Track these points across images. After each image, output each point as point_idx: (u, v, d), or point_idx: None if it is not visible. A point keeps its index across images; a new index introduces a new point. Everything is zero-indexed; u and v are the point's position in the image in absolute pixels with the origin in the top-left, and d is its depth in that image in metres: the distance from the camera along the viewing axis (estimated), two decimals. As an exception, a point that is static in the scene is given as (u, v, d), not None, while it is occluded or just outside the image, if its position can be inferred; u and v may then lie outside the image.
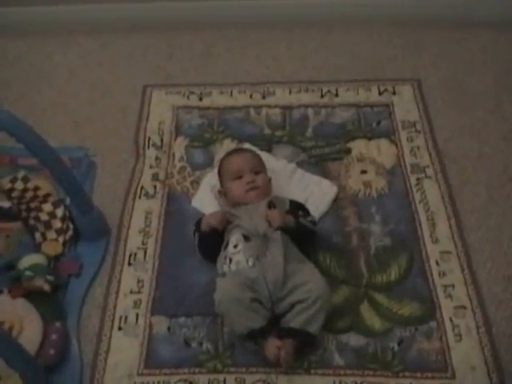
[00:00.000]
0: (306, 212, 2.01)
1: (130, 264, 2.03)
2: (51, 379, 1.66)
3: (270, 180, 2.10)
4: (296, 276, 1.80)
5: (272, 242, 1.86)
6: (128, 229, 2.12)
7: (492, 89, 2.56)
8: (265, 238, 1.87)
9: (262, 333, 1.74)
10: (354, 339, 1.82)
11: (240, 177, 2.04)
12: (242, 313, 1.74)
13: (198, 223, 1.99)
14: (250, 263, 1.83)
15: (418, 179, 2.21)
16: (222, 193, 2.10)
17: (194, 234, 2.00)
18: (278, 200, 2.01)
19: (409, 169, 2.25)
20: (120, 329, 1.88)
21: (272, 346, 1.72)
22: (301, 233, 1.92)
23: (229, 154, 2.18)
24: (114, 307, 1.93)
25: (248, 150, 2.22)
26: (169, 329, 1.87)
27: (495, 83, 2.58)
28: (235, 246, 1.89)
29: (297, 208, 2.00)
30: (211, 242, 1.96)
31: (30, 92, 2.66)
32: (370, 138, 2.36)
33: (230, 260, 1.87)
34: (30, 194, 2.14)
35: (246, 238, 1.88)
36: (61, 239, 2.05)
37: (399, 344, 1.81)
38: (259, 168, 2.08)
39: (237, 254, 1.87)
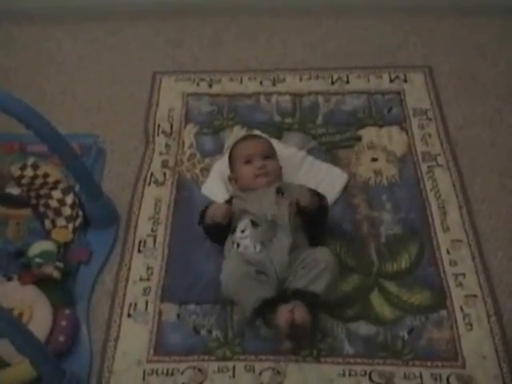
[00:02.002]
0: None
1: (139, 251, 2.02)
2: (61, 366, 1.66)
3: (280, 168, 2.09)
4: (302, 254, 1.80)
5: (280, 228, 1.86)
6: (137, 216, 2.11)
7: (504, 76, 2.53)
8: (273, 224, 1.86)
9: (273, 303, 1.71)
10: (364, 328, 1.82)
11: (250, 161, 2.03)
12: (251, 285, 1.73)
13: (203, 214, 1.97)
14: (258, 249, 1.83)
15: (429, 167, 2.20)
16: (232, 178, 2.09)
17: (199, 224, 2.00)
18: (286, 186, 2.00)
19: (420, 157, 2.23)
20: (129, 316, 1.88)
21: (284, 311, 1.67)
22: (322, 215, 1.93)
23: (240, 139, 2.18)
24: (124, 294, 1.93)
25: (260, 136, 2.22)
26: (178, 316, 1.86)
27: (508, 70, 2.56)
28: (243, 231, 1.88)
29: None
30: (216, 232, 1.96)
31: (39, 79, 2.66)
32: (380, 126, 2.34)
33: (238, 245, 1.87)
34: (39, 181, 2.14)
35: (254, 224, 1.87)
36: (70, 226, 2.05)
37: (409, 333, 1.80)
38: (270, 154, 2.07)
39: (244, 239, 1.87)
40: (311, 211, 1.88)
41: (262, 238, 1.85)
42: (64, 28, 2.91)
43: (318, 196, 1.94)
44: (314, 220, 1.92)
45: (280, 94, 2.49)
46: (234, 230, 1.90)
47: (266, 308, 1.71)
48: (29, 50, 2.82)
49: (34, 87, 2.58)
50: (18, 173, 2.15)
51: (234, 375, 1.74)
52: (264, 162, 2.03)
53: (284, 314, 1.67)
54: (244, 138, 2.18)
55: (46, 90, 2.60)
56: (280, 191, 1.96)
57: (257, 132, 2.30)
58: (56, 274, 1.88)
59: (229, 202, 1.99)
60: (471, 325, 1.81)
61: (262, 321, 1.77)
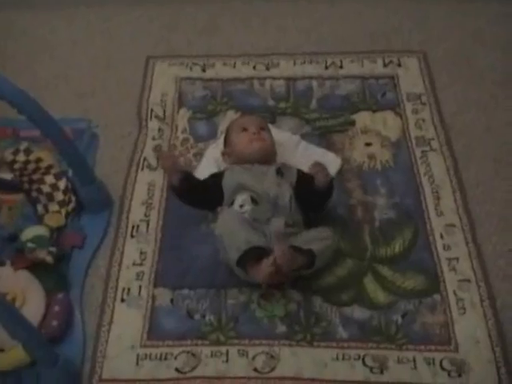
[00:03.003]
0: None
1: (132, 236, 2.02)
2: (54, 350, 1.66)
3: (274, 144, 2.09)
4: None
5: (280, 208, 1.86)
6: (131, 201, 2.11)
7: (500, 62, 2.53)
8: (274, 204, 1.86)
9: (262, 252, 1.72)
10: (358, 312, 1.82)
11: (246, 129, 2.04)
12: (245, 229, 1.76)
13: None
14: (257, 224, 1.84)
15: (422, 152, 2.19)
16: (226, 153, 2.09)
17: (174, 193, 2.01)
18: (285, 168, 2.00)
19: (414, 141, 2.23)
20: (123, 300, 1.87)
21: (268, 262, 1.69)
22: (330, 194, 1.94)
23: (237, 117, 2.22)
24: (117, 279, 1.92)
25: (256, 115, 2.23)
26: (172, 301, 1.86)
27: (503, 56, 2.55)
28: (241, 206, 1.88)
29: (304, 177, 1.97)
30: (189, 193, 1.98)
31: (32, 64, 2.64)
32: (374, 111, 2.34)
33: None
34: (32, 166, 2.13)
35: (254, 202, 1.87)
36: (63, 211, 2.04)
37: (403, 317, 1.80)
38: (264, 126, 2.09)
39: (243, 214, 1.86)
40: (322, 189, 1.89)
41: (261, 216, 1.85)
42: (58, 14, 2.89)
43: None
44: (319, 199, 1.93)
45: (274, 78, 2.48)
46: (232, 203, 1.90)
47: (254, 254, 1.73)
48: (23, 36, 2.80)
49: (27, 72, 2.57)
50: (10, 158, 2.15)
51: (227, 360, 1.74)
52: (259, 130, 2.04)
53: (268, 266, 1.69)
54: (241, 115, 2.24)
55: (39, 74, 2.58)
56: (280, 172, 1.96)
57: (249, 115, 2.30)
58: (49, 259, 1.87)
59: (217, 176, 1.98)
60: (464, 309, 1.81)
61: (243, 269, 1.78)
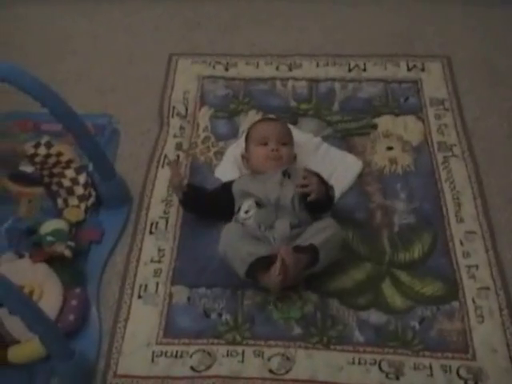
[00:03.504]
0: (323, 181, 1.97)
1: (151, 233, 2.02)
2: (70, 345, 1.66)
3: (295, 156, 2.08)
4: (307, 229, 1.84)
5: (283, 209, 1.87)
6: (150, 197, 2.11)
7: (523, 68, 2.51)
8: (276, 205, 1.87)
9: (268, 261, 1.73)
10: (375, 316, 1.81)
11: (265, 144, 2.02)
12: (248, 242, 1.77)
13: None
14: (262, 228, 1.85)
15: (444, 157, 2.18)
16: (245, 157, 2.08)
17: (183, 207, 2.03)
18: (292, 169, 1.99)
19: (436, 147, 2.21)
20: (140, 297, 1.88)
21: (275, 271, 1.70)
22: (326, 205, 1.92)
23: (260, 120, 2.19)
24: (135, 275, 1.92)
25: (280, 121, 2.19)
26: (188, 299, 1.86)
27: (526, 61, 2.53)
28: (246, 212, 1.89)
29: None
30: (195, 203, 2.00)
31: (53, 59, 2.65)
32: (397, 115, 2.32)
33: (242, 225, 1.88)
34: (52, 160, 2.14)
35: (259, 205, 1.88)
36: (83, 206, 2.05)
37: (420, 323, 1.79)
38: (287, 140, 2.05)
39: (248, 220, 1.88)
40: (316, 199, 1.87)
41: (266, 218, 1.86)
42: (80, 8, 2.90)
43: (324, 185, 1.92)
44: (317, 207, 1.91)
45: (296, 79, 2.47)
46: (239, 210, 1.92)
47: (260, 265, 1.74)
48: (44, 30, 2.82)
49: (48, 67, 2.56)
50: (31, 151, 2.16)
51: (242, 360, 1.74)
52: (279, 146, 2.01)
53: (275, 271, 1.70)
54: (264, 120, 2.19)
55: (60, 69, 2.59)
56: (286, 173, 1.95)
57: (272, 117, 2.28)
58: (67, 253, 1.87)
59: (228, 184, 2.00)
60: (483, 317, 1.80)
61: (254, 280, 1.79)
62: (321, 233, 1.80)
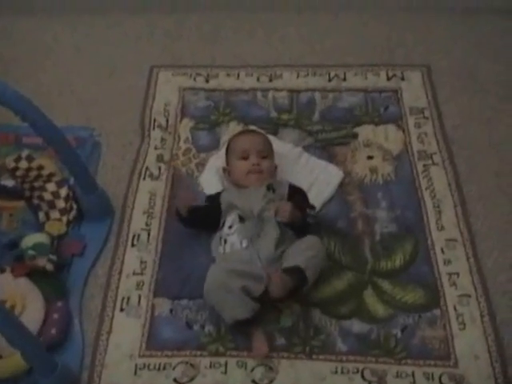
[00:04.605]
0: (306, 199, 1.99)
1: (133, 245, 2.02)
2: (53, 358, 1.65)
3: (275, 168, 2.08)
4: (290, 247, 1.83)
5: (267, 222, 1.87)
6: (132, 209, 2.11)
7: (503, 75, 2.53)
8: (259, 219, 1.88)
9: (247, 324, 1.74)
10: (357, 325, 1.82)
11: (246, 157, 2.02)
12: (230, 302, 1.73)
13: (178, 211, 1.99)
14: (244, 244, 1.85)
15: (424, 166, 2.19)
16: (226, 171, 2.09)
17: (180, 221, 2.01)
18: (276, 183, 2.00)
19: (416, 155, 2.23)
20: (122, 310, 1.87)
21: (258, 341, 1.74)
22: (302, 229, 1.91)
23: (240, 132, 2.19)
24: (117, 288, 1.92)
25: (260, 133, 2.19)
26: (171, 311, 1.86)
27: (506, 70, 2.55)
28: (230, 227, 1.90)
29: (295, 193, 1.98)
30: (195, 222, 1.99)
31: (35, 71, 2.65)
32: (377, 124, 2.34)
33: (225, 241, 1.89)
34: (33, 173, 2.13)
35: (242, 219, 1.89)
36: (64, 219, 2.04)
37: (402, 331, 1.80)
38: (267, 153, 2.06)
39: (231, 236, 1.88)
40: (288, 223, 1.87)
41: (249, 233, 1.86)
42: (62, 20, 2.89)
43: (301, 211, 1.90)
44: (293, 228, 1.90)
45: (277, 90, 2.48)
46: (223, 225, 1.92)
47: (242, 326, 1.76)
48: (26, 42, 2.81)
49: (30, 79, 2.57)
50: (12, 164, 2.15)
51: (226, 371, 1.74)
52: (259, 160, 2.01)
53: (258, 345, 1.74)
54: (243, 132, 2.19)
55: (42, 81, 2.59)
56: (271, 187, 1.96)
57: (253, 128, 2.29)
58: (49, 267, 1.87)
59: (215, 197, 2.00)
60: (464, 324, 1.81)
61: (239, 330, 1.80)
62: (306, 251, 1.79)
